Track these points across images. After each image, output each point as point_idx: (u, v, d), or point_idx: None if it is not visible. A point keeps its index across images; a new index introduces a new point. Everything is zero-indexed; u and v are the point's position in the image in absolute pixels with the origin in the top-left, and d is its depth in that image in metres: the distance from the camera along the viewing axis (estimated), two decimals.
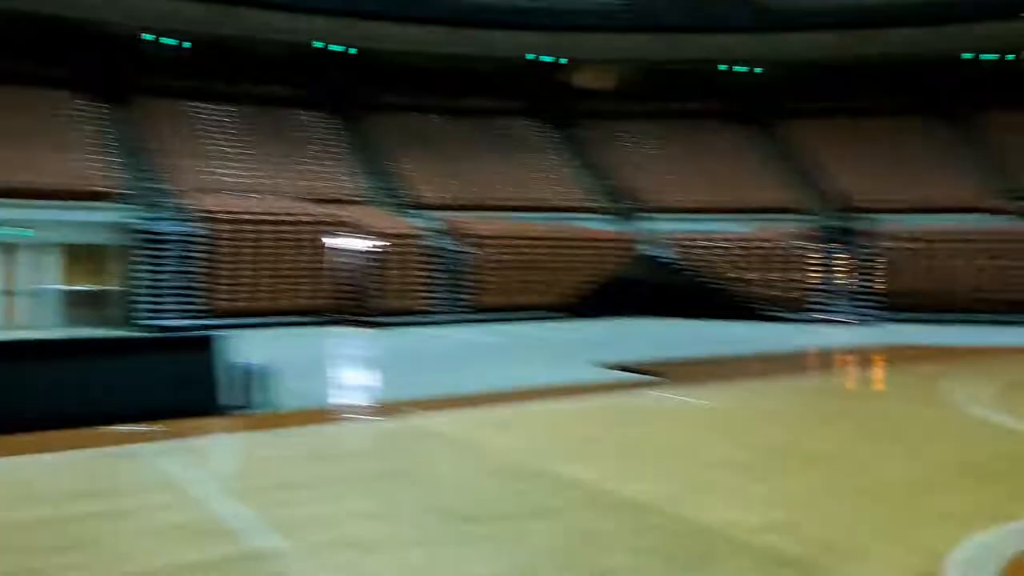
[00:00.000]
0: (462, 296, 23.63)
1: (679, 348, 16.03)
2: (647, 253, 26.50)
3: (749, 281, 25.28)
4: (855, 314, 23.86)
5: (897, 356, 15.79)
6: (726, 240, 26.21)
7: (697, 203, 28.68)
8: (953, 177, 29.41)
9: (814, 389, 11.79)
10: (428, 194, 27.47)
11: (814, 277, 25.17)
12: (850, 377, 13.63)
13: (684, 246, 26.38)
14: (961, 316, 22.88)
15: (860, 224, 25.71)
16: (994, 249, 24.25)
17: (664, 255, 26.52)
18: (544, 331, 20.97)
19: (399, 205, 27.12)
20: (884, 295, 24.17)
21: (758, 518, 4.95)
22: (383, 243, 22.31)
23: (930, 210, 27.28)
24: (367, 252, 22.54)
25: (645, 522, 4.92)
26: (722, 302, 25.08)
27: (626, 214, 28.76)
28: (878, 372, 14.23)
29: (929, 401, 10.03)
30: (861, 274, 25.01)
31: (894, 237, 24.99)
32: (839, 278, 25.17)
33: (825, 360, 16.12)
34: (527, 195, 28.68)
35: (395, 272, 22.39)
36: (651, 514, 5.06)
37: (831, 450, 7.06)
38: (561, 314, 24.14)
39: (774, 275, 25.19)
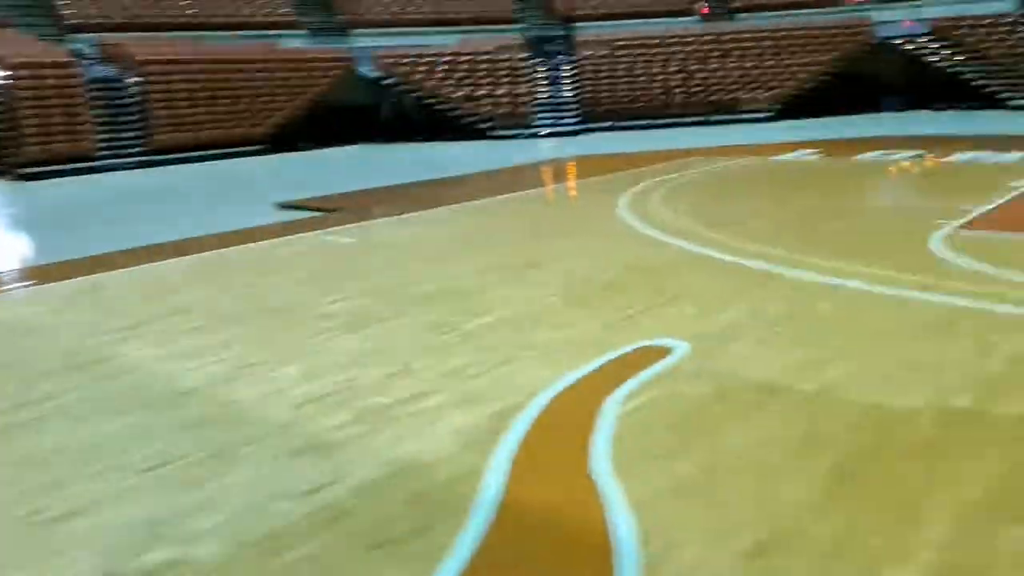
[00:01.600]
0: (132, 135, 20.23)
1: (370, 178, 14.61)
2: (356, 73, 24.25)
3: (460, 98, 24.07)
4: (560, 126, 23.68)
5: (589, 167, 15.40)
6: (434, 56, 24.53)
7: (405, 17, 26.45)
8: None
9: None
10: (83, 13, 22.91)
11: (523, 90, 24.44)
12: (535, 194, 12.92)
13: (391, 64, 24.41)
14: (660, 122, 23.35)
15: (562, 33, 25.25)
16: (690, 53, 24.64)
17: (373, 75, 24.47)
18: (232, 169, 18.67)
19: (51, 28, 22.42)
20: (585, 104, 24.17)
21: None
22: (23, 74, 18.31)
23: (638, 15, 26.97)
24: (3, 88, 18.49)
25: None
26: (436, 122, 23.90)
27: (335, 30, 25.93)
28: (554, 189, 13.78)
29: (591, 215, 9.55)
30: (569, 84, 24.73)
31: (593, 44, 24.74)
32: (546, 90, 24.74)
33: (517, 177, 15.35)
34: (212, 11, 24.86)
35: (41, 111, 18.55)
36: None
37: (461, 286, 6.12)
38: (259, 148, 21.70)
39: (484, 90, 24.14)
